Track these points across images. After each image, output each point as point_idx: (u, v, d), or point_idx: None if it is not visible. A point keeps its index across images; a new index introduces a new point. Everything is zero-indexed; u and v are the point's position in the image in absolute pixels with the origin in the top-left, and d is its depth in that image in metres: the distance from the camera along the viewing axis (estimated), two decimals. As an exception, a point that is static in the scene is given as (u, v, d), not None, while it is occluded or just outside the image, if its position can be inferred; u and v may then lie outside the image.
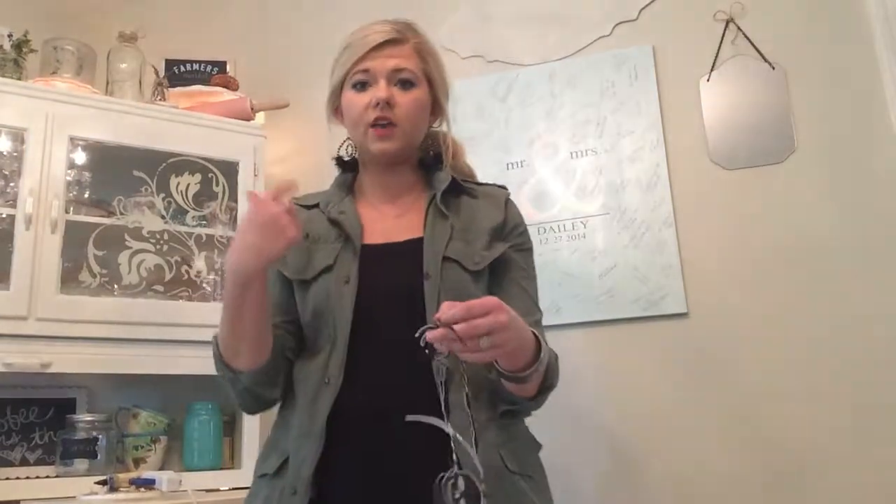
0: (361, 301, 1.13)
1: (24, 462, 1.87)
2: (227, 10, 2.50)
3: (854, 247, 1.78)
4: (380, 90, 1.17)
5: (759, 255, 1.84)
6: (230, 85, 2.24)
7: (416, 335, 0.92)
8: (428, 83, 1.23)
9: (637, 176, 1.98)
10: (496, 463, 1.07)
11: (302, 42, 2.39)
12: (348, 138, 1.30)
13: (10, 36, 1.96)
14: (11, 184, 1.80)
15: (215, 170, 2.05)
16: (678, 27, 2.02)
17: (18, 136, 1.82)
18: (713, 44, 1.96)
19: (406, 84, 1.20)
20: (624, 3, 2.09)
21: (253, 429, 1.94)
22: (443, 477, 0.90)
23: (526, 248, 1.26)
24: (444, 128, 1.31)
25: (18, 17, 2.07)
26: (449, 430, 0.91)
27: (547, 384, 1.10)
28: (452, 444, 0.91)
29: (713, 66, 1.96)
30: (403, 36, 1.22)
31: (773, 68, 1.91)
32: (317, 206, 1.26)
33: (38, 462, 1.88)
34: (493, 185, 1.31)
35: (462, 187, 1.25)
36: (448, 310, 0.90)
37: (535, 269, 1.26)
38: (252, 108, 2.14)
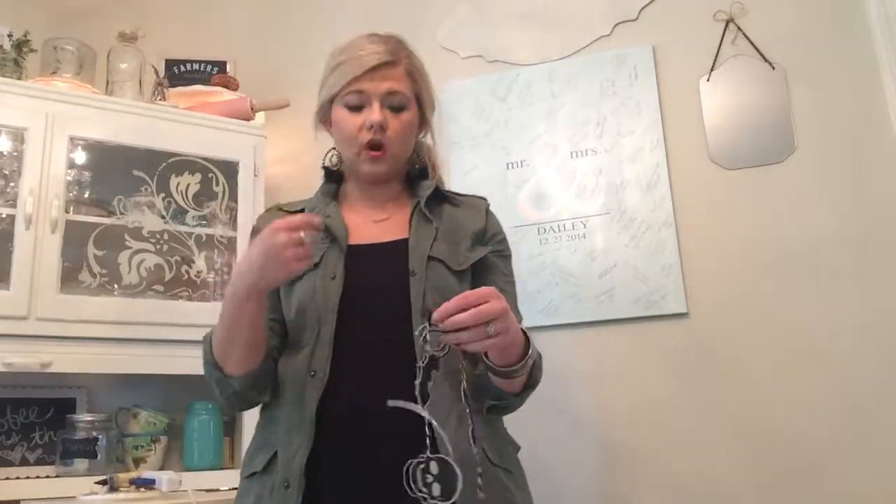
0: (347, 297, 1.15)
1: (24, 462, 1.87)
2: (227, 10, 2.50)
3: (854, 246, 1.78)
4: (373, 113, 1.21)
5: (759, 255, 1.84)
6: (230, 85, 2.24)
7: (417, 333, 0.94)
8: (417, 102, 1.28)
9: (637, 176, 1.98)
10: (478, 456, 1.08)
11: (302, 42, 2.39)
12: (333, 148, 1.34)
13: (10, 36, 1.96)
14: (11, 184, 1.80)
15: (215, 170, 2.05)
16: (678, 27, 2.02)
17: (18, 136, 1.82)
18: (713, 44, 1.96)
19: (398, 108, 1.24)
20: (624, 3, 2.09)
21: (253, 429, 1.94)
22: (412, 462, 0.91)
23: (506, 255, 1.31)
24: (429, 139, 1.36)
25: (18, 17, 2.07)
26: (424, 413, 0.92)
27: (532, 381, 1.12)
28: (427, 430, 0.92)
29: (713, 66, 1.96)
30: (396, 57, 1.25)
31: (773, 68, 1.91)
32: (302, 211, 1.29)
33: (38, 462, 1.88)
34: (474, 196, 1.36)
35: (444, 196, 1.30)
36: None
37: (514, 276, 1.30)
38: (252, 108, 2.14)
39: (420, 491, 0.90)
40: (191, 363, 1.86)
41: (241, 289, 1.07)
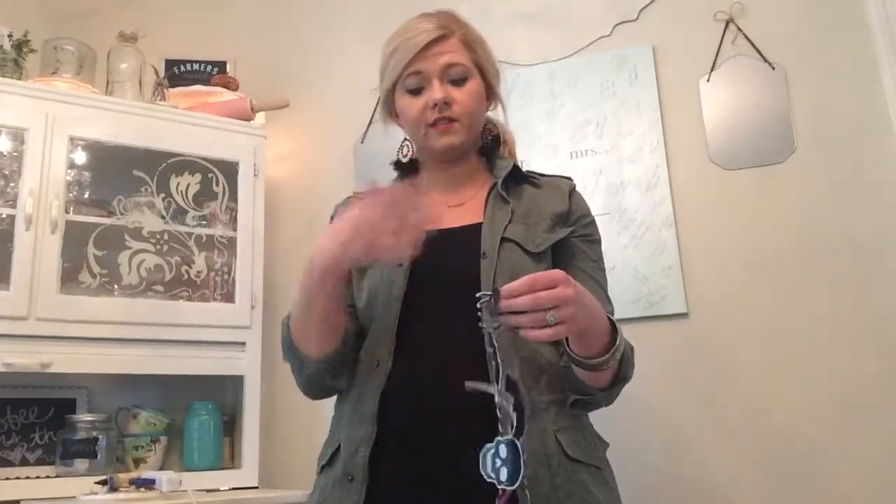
0: (413, 284, 1.12)
1: (24, 462, 1.87)
2: (227, 10, 2.50)
3: (854, 247, 1.78)
4: (435, 91, 1.17)
5: (759, 255, 1.84)
6: (230, 85, 2.24)
7: (477, 301, 0.88)
8: (479, 72, 1.23)
9: (637, 176, 1.98)
10: (551, 449, 1.04)
11: (302, 42, 2.39)
12: (405, 139, 1.30)
13: (10, 36, 1.96)
14: (11, 184, 1.80)
15: (215, 170, 2.05)
16: (678, 27, 2.02)
17: (18, 136, 1.82)
18: (713, 44, 1.96)
19: (460, 80, 1.20)
20: (624, 3, 2.08)
21: (253, 429, 1.95)
22: (486, 447, 0.85)
23: (594, 240, 1.24)
24: (499, 110, 1.31)
25: (18, 17, 2.08)
26: (492, 390, 0.86)
27: (621, 375, 1.06)
28: (498, 413, 0.85)
29: (713, 66, 1.95)
30: (449, 30, 1.21)
31: (773, 68, 1.91)
32: None
33: (38, 462, 1.88)
34: (558, 176, 1.30)
35: (524, 176, 1.25)
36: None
37: (604, 262, 1.24)
38: (252, 108, 2.14)
39: (489, 477, 0.84)
40: (191, 363, 1.89)
41: (317, 265, 1.02)
